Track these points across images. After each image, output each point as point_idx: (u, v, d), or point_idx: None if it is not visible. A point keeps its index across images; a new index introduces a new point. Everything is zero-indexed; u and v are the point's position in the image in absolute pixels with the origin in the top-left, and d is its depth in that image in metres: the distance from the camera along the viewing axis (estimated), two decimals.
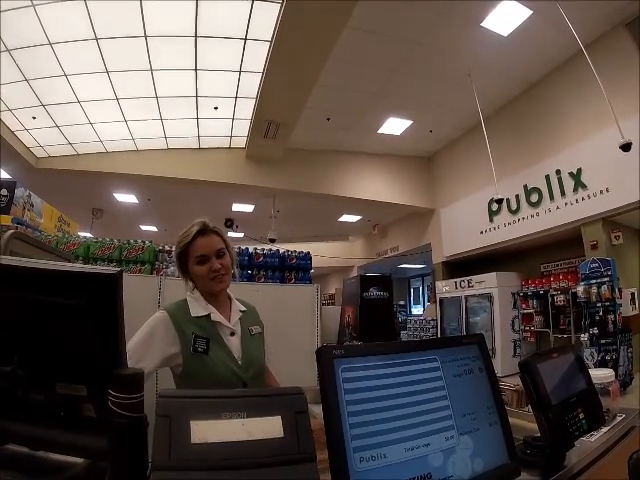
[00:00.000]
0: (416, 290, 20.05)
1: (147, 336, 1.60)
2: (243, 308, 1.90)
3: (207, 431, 0.74)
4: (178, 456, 0.71)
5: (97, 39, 6.41)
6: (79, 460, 1.01)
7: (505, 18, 6.55)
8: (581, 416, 1.31)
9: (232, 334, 1.76)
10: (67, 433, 0.92)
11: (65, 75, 7.18)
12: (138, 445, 0.80)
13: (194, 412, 0.76)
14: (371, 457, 0.81)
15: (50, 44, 6.43)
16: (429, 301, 13.73)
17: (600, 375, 1.81)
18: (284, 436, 0.78)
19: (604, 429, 1.57)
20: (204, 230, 1.76)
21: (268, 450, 0.75)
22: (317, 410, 0.90)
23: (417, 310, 18.81)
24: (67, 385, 0.89)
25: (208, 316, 1.72)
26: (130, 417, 0.80)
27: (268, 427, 0.78)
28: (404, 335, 12.09)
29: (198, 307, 1.73)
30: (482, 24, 6.65)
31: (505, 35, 6.92)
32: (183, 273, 1.81)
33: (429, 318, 11.38)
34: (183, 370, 1.62)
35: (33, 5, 5.68)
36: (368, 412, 0.86)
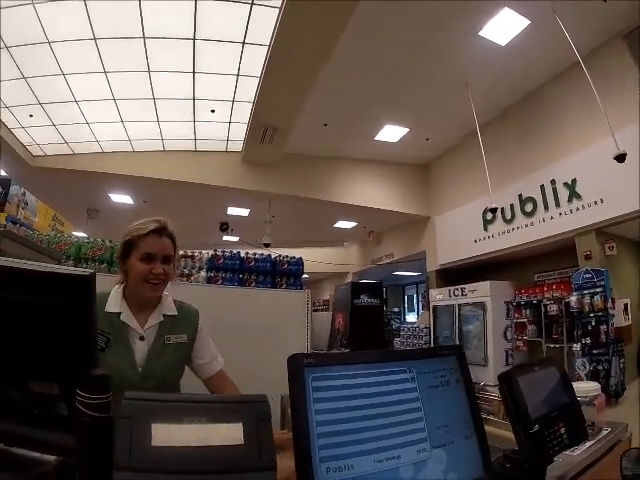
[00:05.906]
0: (410, 298, 20.04)
1: None
2: (171, 313, 1.77)
3: (168, 434, 0.75)
4: (138, 457, 0.72)
5: (96, 39, 6.42)
6: (52, 457, 1.01)
7: (503, 28, 6.58)
8: (562, 431, 1.29)
9: (141, 339, 1.67)
10: (40, 430, 0.93)
11: (63, 74, 7.18)
12: (104, 445, 0.80)
13: (156, 415, 0.77)
14: (338, 468, 0.80)
15: (49, 42, 6.43)
16: (423, 309, 13.71)
17: (585, 388, 1.80)
18: (244, 443, 0.77)
19: (588, 443, 1.56)
20: (161, 230, 1.68)
21: (227, 456, 0.75)
22: None
23: (411, 318, 18.79)
24: (40, 383, 0.90)
25: (119, 314, 1.65)
26: (96, 417, 0.80)
27: (228, 433, 0.78)
28: (397, 342, 12.06)
29: (114, 302, 1.66)
30: (480, 33, 6.68)
31: (503, 45, 6.94)
32: (120, 263, 1.72)
33: (422, 326, 11.34)
34: None
35: (33, 3, 5.68)
36: (337, 422, 0.84)
